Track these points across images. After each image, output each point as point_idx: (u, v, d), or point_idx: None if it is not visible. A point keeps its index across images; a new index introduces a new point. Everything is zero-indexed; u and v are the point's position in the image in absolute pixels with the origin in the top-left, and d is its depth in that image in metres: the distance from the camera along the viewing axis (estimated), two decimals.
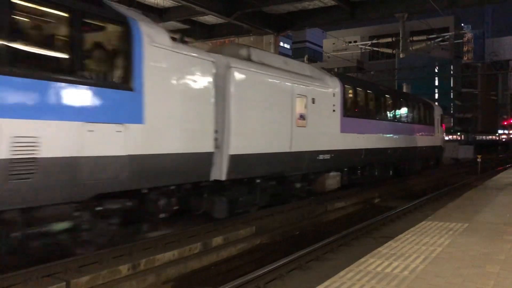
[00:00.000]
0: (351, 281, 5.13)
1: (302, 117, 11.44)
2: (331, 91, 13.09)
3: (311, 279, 7.30)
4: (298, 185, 12.02)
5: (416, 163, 19.99)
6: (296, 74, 11.57)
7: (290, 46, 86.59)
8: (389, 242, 7.03)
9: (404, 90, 35.72)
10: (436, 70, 59.91)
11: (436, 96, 65.38)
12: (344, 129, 13.45)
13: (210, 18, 21.89)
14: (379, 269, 5.60)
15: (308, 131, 11.62)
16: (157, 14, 19.71)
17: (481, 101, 78.81)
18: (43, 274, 6.55)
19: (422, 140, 19.17)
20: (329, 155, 12.53)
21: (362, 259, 6.07)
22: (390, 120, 17.01)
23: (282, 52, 36.28)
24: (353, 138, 13.96)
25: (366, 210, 13.95)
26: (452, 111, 67.51)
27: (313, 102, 11.85)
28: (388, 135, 16.41)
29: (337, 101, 13.30)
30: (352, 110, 14.37)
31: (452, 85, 70.70)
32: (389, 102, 17.20)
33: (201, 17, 21.81)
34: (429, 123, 19.94)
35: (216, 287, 6.73)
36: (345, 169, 14.08)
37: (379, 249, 6.61)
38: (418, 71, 42.83)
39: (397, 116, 17.67)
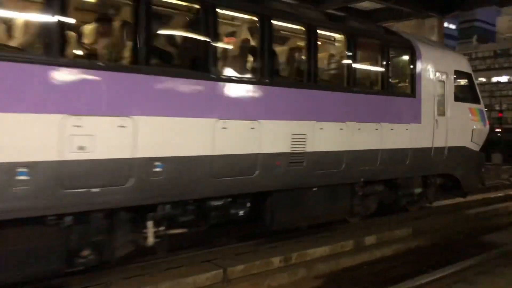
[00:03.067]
0: None
1: None
2: None
3: None
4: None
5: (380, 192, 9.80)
6: None
7: (456, 27, 79.46)
8: None
9: None
10: None
11: None
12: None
13: (367, 4, 21.10)
14: None
15: None
16: (314, 3, 19.62)
17: None
18: (203, 259, 7.09)
19: (392, 135, 9.10)
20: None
21: None
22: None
23: (446, 34, 33.29)
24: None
25: None
26: None
27: None
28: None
29: None
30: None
31: None
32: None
33: (357, 4, 21.15)
34: (413, 95, 9.67)
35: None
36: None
37: None
38: None
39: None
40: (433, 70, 10.15)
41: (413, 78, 9.71)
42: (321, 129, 7.83)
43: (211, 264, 6.91)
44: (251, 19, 7.44)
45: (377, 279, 7.21)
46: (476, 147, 11.57)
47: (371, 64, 9.54)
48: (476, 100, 11.63)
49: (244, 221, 7.55)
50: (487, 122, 11.95)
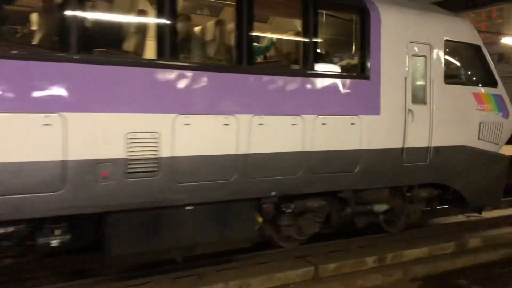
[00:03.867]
0: None
1: None
2: None
3: None
4: None
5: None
6: None
7: None
8: None
9: None
10: None
11: None
12: None
13: None
14: None
15: None
16: None
17: None
18: (296, 255, 6.93)
19: (325, 133, 6.51)
20: None
21: None
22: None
23: None
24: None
25: None
26: None
27: None
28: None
29: None
30: None
31: None
32: None
33: None
34: (364, 75, 6.90)
35: None
36: None
37: None
38: None
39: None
40: (402, 41, 7.23)
41: (365, 53, 6.88)
42: (187, 124, 5.55)
43: (303, 261, 6.77)
44: None
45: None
46: (489, 147, 8.38)
47: (284, 32, 6.93)
48: (488, 82, 8.42)
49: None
50: None
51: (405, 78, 7.22)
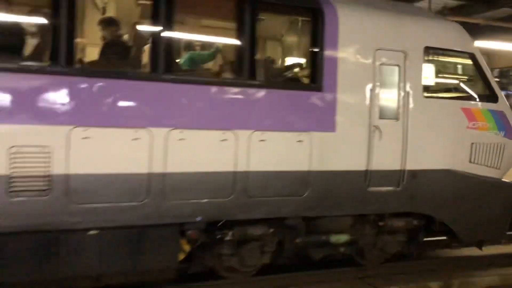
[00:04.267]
0: None
1: None
2: None
3: None
4: None
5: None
6: None
7: None
8: None
9: None
10: None
11: None
12: None
13: None
14: None
15: None
16: None
17: None
18: (355, 276, 6.70)
19: (265, 150, 5.67)
20: None
21: None
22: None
23: None
24: None
25: None
26: None
27: None
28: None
29: None
30: None
31: None
32: None
33: None
34: (315, 86, 5.98)
35: None
36: None
37: None
38: None
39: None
40: (367, 47, 6.26)
41: (317, 61, 5.97)
42: (86, 138, 4.93)
43: (363, 283, 6.52)
44: None
45: None
46: (487, 172, 7.13)
47: (215, 34, 6.17)
48: (485, 97, 7.21)
49: None
50: None
51: (370, 90, 6.23)
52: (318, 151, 5.94)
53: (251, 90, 5.62)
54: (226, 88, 5.55)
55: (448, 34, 6.94)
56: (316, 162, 5.95)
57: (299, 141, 5.85)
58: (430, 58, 6.73)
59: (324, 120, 6.00)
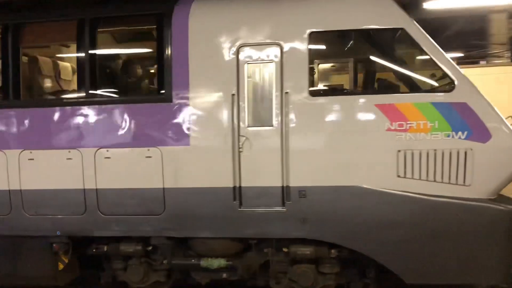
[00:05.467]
0: None
1: None
2: None
3: None
4: None
5: None
6: None
7: None
8: None
9: None
10: None
11: None
12: None
13: None
14: None
15: None
16: None
17: None
18: None
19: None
20: None
21: None
22: None
23: None
24: None
25: None
26: None
27: None
28: None
29: None
30: None
31: None
32: None
33: None
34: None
35: None
36: None
37: None
38: None
39: None
40: (226, 44, 5.32)
41: (164, 69, 5.43)
42: None
43: None
44: None
45: None
46: (442, 191, 5.13)
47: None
48: (427, 85, 5.20)
49: None
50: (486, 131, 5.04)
51: (233, 94, 5.36)
52: (171, 167, 5.49)
53: (88, 108, 5.65)
54: (68, 109, 5.74)
55: (353, 9, 5.28)
56: (170, 179, 5.51)
57: (148, 156, 5.54)
58: (323, 45, 5.29)
59: (176, 134, 5.49)
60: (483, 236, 5.14)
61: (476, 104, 5.06)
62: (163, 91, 5.54)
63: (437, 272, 5.26)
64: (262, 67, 5.36)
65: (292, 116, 5.25)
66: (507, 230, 5.14)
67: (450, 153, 5.09)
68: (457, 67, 5.18)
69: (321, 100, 5.26)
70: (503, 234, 5.14)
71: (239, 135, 5.35)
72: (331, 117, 5.23)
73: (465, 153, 5.06)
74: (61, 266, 6.17)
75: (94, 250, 6.06)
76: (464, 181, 5.11)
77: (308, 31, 5.23)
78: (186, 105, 5.45)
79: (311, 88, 5.29)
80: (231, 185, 5.40)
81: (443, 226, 5.14)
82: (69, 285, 6.47)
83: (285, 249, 5.63)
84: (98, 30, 5.69)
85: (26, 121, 5.82)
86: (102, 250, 6.00)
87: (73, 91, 6.51)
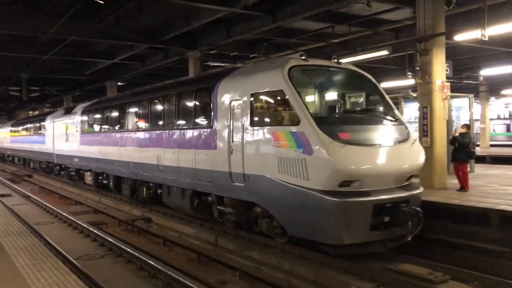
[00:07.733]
0: None
1: None
2: None
3: None
4: None
5: None
6: None
7: None
8: None
9: None
10: None
11: None
12: None
13: None
14: None
15: None
16: None
17: None
18: None
19: None
20: None
21: None
22: None
23: None
24: None
25: None
26: None
27: None
28: None
29: None
30: None
31: None
32: None
33: None
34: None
35: None
36: None
37: None
38: None
39: None
40: (226, 101, 10.87)
41: (211, 112, 11.47)
42: None
43: None
44: None
45: None
46: (295, 181, 8.89)
47: None
48: (291, 121, 9.25)
49: None
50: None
51: (228, 125, 10.89)
52: (210, 159, 11.52)
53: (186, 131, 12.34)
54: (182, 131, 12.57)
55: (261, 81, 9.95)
56: (210, 166, 11.53)
57: (207, 154, 11.74)
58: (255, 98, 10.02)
59: (213, 143, 11.54)
60: (318, 210, 8.64)
61: (308, 132, 8.69)
62: (210, 123, 11.56)
63: (304, 230, 9.11)
64: (238, 109, 10.50)
65: (245, 135, 10.21)
66: (331, 207, 8.39)
67: (297, 160, 8.85)
68: (303, 112, 8.85)
69: (255, 128, 9.97)
70: (328, 210, 8.43)
71: (231, 144, 10.71)
72: (257, 137, 9.88)
73: (303, 160, 8.76)
74: None
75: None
76: (306, 177, 8.74)
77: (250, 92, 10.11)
78: (216, 129, 11.25)
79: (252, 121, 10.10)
80: (228, 170, 10.81)
81: (298, 202, 8.98)
82: None
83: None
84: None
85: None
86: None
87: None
